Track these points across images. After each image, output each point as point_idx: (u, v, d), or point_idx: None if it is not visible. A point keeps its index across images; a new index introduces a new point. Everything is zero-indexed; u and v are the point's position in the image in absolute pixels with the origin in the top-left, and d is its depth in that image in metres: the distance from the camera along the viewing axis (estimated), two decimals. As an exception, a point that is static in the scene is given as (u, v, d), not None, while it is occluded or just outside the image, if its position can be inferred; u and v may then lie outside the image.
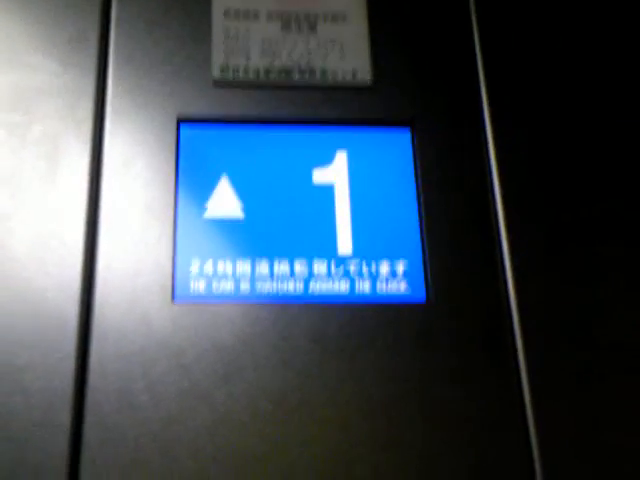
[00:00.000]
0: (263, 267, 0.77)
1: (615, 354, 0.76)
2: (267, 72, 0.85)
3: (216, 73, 0.85)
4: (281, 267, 0.77)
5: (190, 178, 0.80)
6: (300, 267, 0.78)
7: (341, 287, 0.77)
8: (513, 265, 0.79)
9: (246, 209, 0.80)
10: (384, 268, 0.78)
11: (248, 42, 0.87)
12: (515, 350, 0.76)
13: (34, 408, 0.68)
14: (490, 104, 0.86)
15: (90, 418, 0.69)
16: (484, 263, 0.79)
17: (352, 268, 0.78)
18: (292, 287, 0.77)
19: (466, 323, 0.76)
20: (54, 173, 0.78)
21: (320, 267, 0.78)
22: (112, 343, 0.72)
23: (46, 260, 0.74)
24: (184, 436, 0.69)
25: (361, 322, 0.75)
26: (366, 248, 0.79)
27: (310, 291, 0.77)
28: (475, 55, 0.89)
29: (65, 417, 0.68)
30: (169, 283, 0.75)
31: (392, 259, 0.79)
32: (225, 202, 0.80)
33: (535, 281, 0.78)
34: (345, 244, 0.79)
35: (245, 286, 0.76)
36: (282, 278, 0.77)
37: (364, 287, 0.78)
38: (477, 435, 0.72)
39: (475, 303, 0.77)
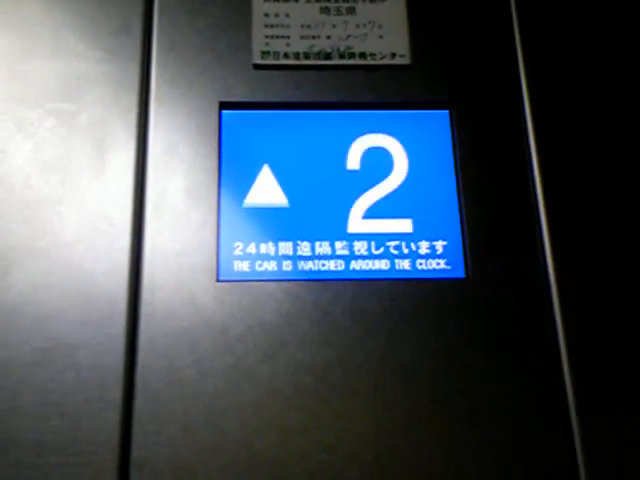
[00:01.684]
0: (305, 248, 0.79)
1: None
2: (307, 55, 0.87)
3: (257, 58, 0.86)
4: (322, 248, 0.79)
5: (233, 162, 0.82)
6: (341, 247, 0.79)
7: (381, 265, 0.79)
8: (552, 242, 0.79)
9: (287, 193, 0.81)
10: (424, 246, 0.79)
11: (288, 26, 0.88)
12: (554, 324, 0.76)
13: (86, 384, 0.71)
14: (529, 86, 0.86)
15: (140, 393, 0.72)
16: (522, 241, 0.80)
17: (392, 247, 0.79)
18: (333, 265, 0.78)
19: (505, 298, 0.77)
20: (102, 159, 0.80)
21: (360, 247, 0.79)
22: (160, 321, 0.74)
23: (96, 243, 0.76)
24: (230, 409, 0.71)
25: (401, 298, 0.77)
26: (407, 228, 0.80)
27: (351, 268, 0.78)
28: (514, 38, 0.89)
29: (116, 393, 0.71)
30: (214, 263, 0.77)
31: (432, 238, 0.80)
32: (267, 188, 0.81)
33: (573, 258, 0.79)
34: (384, 225, 0.80)
35: (287, 265, 0.78)
36: (323, 257, 0.78)
37: (404, 264, 0.79)
38: (517, 406, 0.73)
39: (514, 278, 0.78)
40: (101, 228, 0.77)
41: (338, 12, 0.89)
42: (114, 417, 0.70)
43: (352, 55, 0.87)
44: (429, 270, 0.79)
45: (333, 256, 0.79)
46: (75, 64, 0.84)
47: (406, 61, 0.87)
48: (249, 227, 0.80)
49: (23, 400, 0.70)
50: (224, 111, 0.84)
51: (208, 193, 0.80)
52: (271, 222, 0.80)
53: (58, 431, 0.70)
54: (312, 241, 0.79)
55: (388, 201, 0.81)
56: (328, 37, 0.87)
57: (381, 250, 0.79)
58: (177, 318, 0.74)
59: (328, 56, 0.87)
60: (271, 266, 0.78)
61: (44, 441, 0.69)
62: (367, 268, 0.78)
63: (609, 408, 0.73)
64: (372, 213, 0.81)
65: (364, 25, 0.88)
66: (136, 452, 0.70)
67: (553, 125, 0.84)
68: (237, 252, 0.78)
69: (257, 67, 0.86)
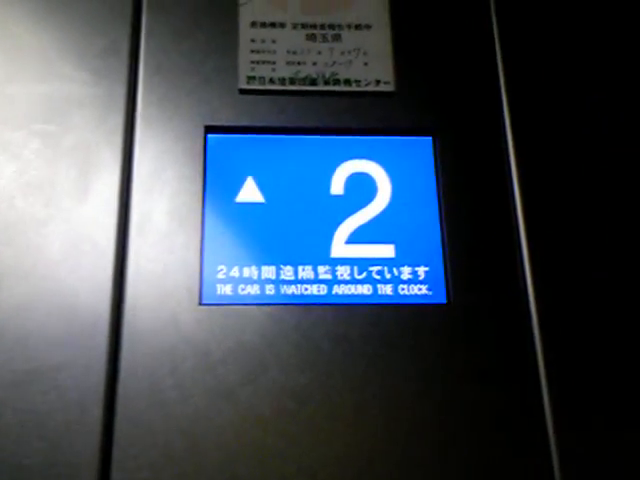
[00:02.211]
0: (287, 272, 0.79)
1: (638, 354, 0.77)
2: (292, 81, 0.88)
3: (242, 83, 0.87)
4: (305, 272, 0.79)
5: (217, 186, 0.83)
6: (323, 271, 0.80)
7: (363, 290, 0.79)
8: (533, 268, 0.80)
9: (270, 215, 0.82)
10: (404, 272, 0.80)
11: (274, 52, 0.89)
12: (534, 350, 0.77)
13: (67, 406, 0.71)
14: (511, 114, 0.88)
15: (121, 415, 0.71)
16: (504, 266, 0.81)
17: (374, 272, 0.80)
18: (315, 290, 0.79)
19: (486, 323, 0.78)
20: (87, 181, 0.80)
21: (343, 271, 0.80)
22: (142, 343, 0.74)
23: (79, 264, 0.76)
24: (211, 432, 0.71)
25: (383, 323, 0.77)
26: (389, 253, 0.81)
27: (333, 293, 0.79)
28: (497, 66, 0.90)
29: (97, 414, 0.71)
30: (196, 286, 0.77)
31: (414, 263, 0.80)
32: (250, 196, 0.82)
33: (554, 284, 0.80)
34: (367, 250, 0.81)
35: (270, 289, 0.78)
36: (306, 281, 0.79)
37: (386, 290, 0.79)
38: (496, 433, 0.74)
39: (495, 304, 0.79)
40: (85, 249, 0.77)
41: (324, 39, 0.90)
42: (94, 440, 0.70)
43: (337, 81, 0.88)
44: (411, 295, 0.79)
45: (316, 280, 0.79)
46: (61, 86, 0.85)
47: (390, 88, 0.88)
48: (232, 251, 0.80)
49: (2, 422, 0.70)
50: (209, 135, 0.85)
51: (192, 216, 0.80)
52: (254, 245, 0.80)
53: (38, 454, 0.69)
54: (295, 265, 0.80)
55: (371, 226, 0.82)
56: (314, 63, 0.89)
57: (363, 275, 0.80)
58: (159, 340, 0.74)
59: (313, 82, 0.88)
60: (254, 290, 0.78)
61: (23, 464, 0.69)
62: (349, 293, 0.79)
63: (588, 435, 0.74)
64: (355, 238, 0.81)
65: (349, 52, 0.89)
66: (116, 475, 0.69)
67: (534, 152, 0.86)
68: (220, 275, 0.79)
69: (243, 92, 0.87)
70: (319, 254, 0.80)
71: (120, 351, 0.74)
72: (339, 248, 0.81)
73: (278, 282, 0.79)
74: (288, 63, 0.88)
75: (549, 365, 0.76)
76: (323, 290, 0.79)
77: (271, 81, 0.87)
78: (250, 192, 0.83)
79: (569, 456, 0.73)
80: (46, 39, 0.87)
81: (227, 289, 0.78)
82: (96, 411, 0.71)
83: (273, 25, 0.90)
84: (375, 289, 0.79)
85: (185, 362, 0.74)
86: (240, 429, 0.72)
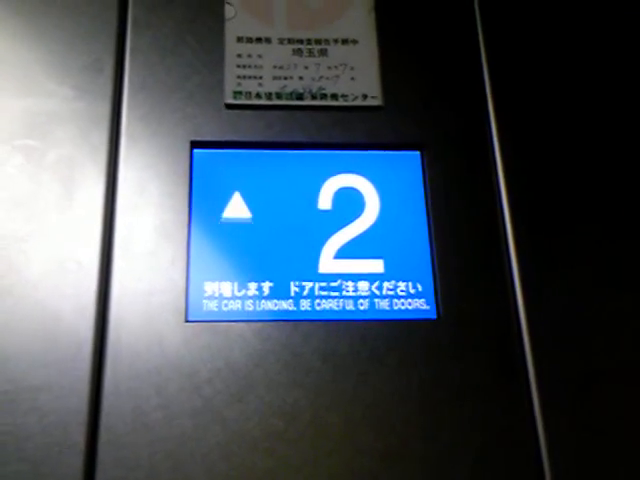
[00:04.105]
0: (275, 288, 0.78)
1: (625, 366, 0.77)
2: (279, 96, 0.87)
3: (228, 98, 0.86)
4: (293, 288, 0.78)
5: (203, 201, 0.81)
6: (311, 287, 0.78)
7: (351, 306, 0.78)
8: (522, 282, 0.79)
9: (257, 231, 0.81)
10: (394, 287, 0.79)
11: (260, 67, 0.88)
12: (525, 363, 0.76)
13: (49, 428, 0.69)
14: (499, 129, 0.87)
15: (104, 437, 0.70)
16: (494, 281, 0.80)
17: (360, 288, 0.79)
18: (303, 305, 0.77)
19: (476, 337, 0.77)
20: (70, 197, 0.79)
21: (331, 287, 0.78)
22: (126, 363, 0.73)
23: (62, 282, 0.75)
24: (197, 454, 0.69)
25: (372, 339, 0.76)
26: (378, 268, 0.80)
27: (318, 309, 0.77)
28: (484, 80, 0.90)
29: (80, 436, 0.69)
30: (182, 303, 0.76)
31: (403, 278, 0.79)
32: (237, 211, 0.81)
33: (544, 297, 0.79)
34: (356, 265, 0.80)
35: (257, 305, 0.77)
36: (294, 297, 0.78)
37: (376, 305, 0.78)
38: (488, 448, 0.72)
39: (485, 318, 0.78)
40: (68, 267, 0.76)
41: (310, 54, 0.89)
42: (77, 462, 0.68)
43: (324, 96, 0.87)
44: (401, 310, 0.78)
45: (303, 296, 0.78)
46: (44, 101, 0.83)
47: (377, 102, 0.88)
48: (219, 267, 0.79)
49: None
50: (195, 150, 0.84)
51: (178, 232, 0.79)
52: (241, 262, 0.79)
53: (17, 476, 0.67)
54: (283, 281, 0.78)
55: (359, 241, 0.81)
56: (300, 78, 0.88)
57: (352, 291, 0.79)
58: (144, 359, 0.73)
59: (300, 97, 0.87)
60: (241, 306, 0.77)
61: (3, 487, 0.67)
62: (337, 308, 0.78)
63: (581, 446, 0.73)
64: (343, 253, 0.80)
65: (336, 67, 0.89)
66: (100, 498, 0.68)
67: (522, 164, 0.85)
68: (207, 292, 0.77)
69: (229, 107, 0.86)
70: (307, 270, 0.79)
71: (103, 372, 0.72)
72: (327, 263, 0.80)
73: (266, 298, 0.78)
74: (275, 78, 0.88)
75: (541, 379, 0.75)
76: (311, 306, 0.78)
77: (258, 96, 0.87)
78: (237, 207, 0.81)
79: (561, 469, 0.72)
80: (29, 54, 0.86)
81: (213, 305, 0.77)
82: (78, 433, 0.69)
83: (259, 40, 0.90)
84: (364, 304, 0.78)
85: (171, 383, 0.72)
86: (228, 450, 0.70)
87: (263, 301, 0.77)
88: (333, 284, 0.79)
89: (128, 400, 0.71)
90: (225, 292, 0.77)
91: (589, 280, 0.80)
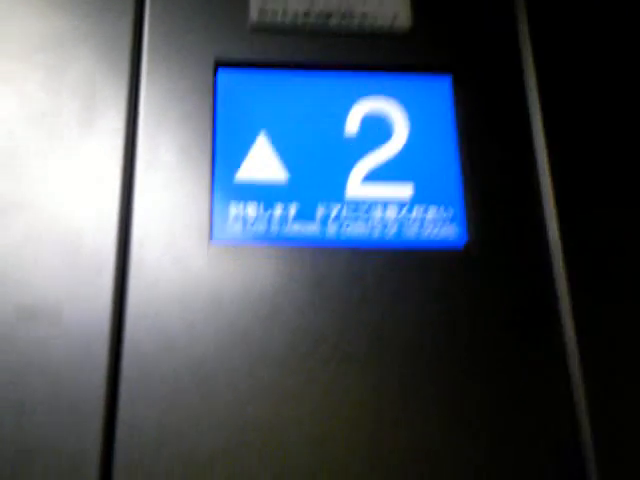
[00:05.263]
0: (301, 211, 0.76)
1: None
2: (306, 15, 0.84)
3: (254, 17, 0.83)
4: (320, 212, 0.76)
5: (227, 124, 0.79)
6: (335, 211, 0.76)
7: (377, 231, 0.76)
8: (557, 211, 0.77)
9: (283, 159, 0.78)
10: (421, 214, 0.77)
11: (287, -15, 0.85)
12: (557, 297, 0.74)
13: (72, 346, 0.68)
14: (534, 50, 0.84)
15: (128, 357, 0.69)
16: (526, 207, 0.77)
17: (389, 213, 0.77)
18: (330, 230, 0.76)
19: (508, 265, 0.75)
20: (92, 114, 0.77)
21: (359, 211, 0.76)
22: (150, 283, 0.71)
23: (83, 198, 0.73)
24: (221, 372, 0.69)
25: (400, 265, 0.74)
26: (407, 192, 0.78)
27: (346, 234, 0.76)
28: (519, 5, 0.86)
29: (103, 354, 0.68)
30: (206, 224, 0.74)
31: (433, 203, 0.77)
32: (263, 159, 0.78)
33: (580, 227, 0.76)
34: (384, 189, 0.78)
35: (283, 228, 0.75)
36: (320, 221, 0.76)
37: (405, 231, 0.76)
38: (520, 387, 0.71)
39: (517, 247, 0.76)
40: (89, 184, 0.74)
41: (340, -30, 0.86)
42: (100, 379, 0.67)
43: (352, 17, 0.84)
44: (430, 237, 0.76)
45: (330, 220, 0.76)
46: (65, 18, 0.81)
47: (407, 24, 0.84)
48: (244, 188, 0.77)
49: (3, 357, 0.67)
50: (220, 69, 0.81)
51: (202, 152, 0.77)
52: (267, 184, 0.77)
53: (41, 394, 0.67)
54: (309, 204, 0.76)
55: (388, 165, 0.79)
56: (328, -3, 0.85)
57: (380, 216, 0.77)
58: (167, 279, 0.71)
59: (328, 17, 0.84)
60: (266, 229, 0.75)
61: (25, 400, 0.66)
62: (365, 234, 0.76)
63: (619, 393, 0.71)
64: (372, 177, 0.78)
65: (366, -14, 0.86)
66: (123, 412, 0.67)
67: (557, 89, 0.82)
68: (231, 213, 0.75)
69: (254, 25, 0.83)
70: (334, 193, 0.77)
71: (126, 291, 0.71)
72: (355, 187, 0.78)
73: (292, 220, 0.76)
74: (302, -4, 0.85)
75: (575, 311, 0.73)
76: (337, 230, 0.76)
77: (284, 15, 0.84)
78: (262, 139, 0.79)
79: (597, 408, 0.70)
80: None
81: (238, 227, 0.75)
82: (102, 351, 0.68)
83: (286, -43, 0.86)
84: (392, 230, 0.76)
85: (194, 303, 0.71)
86: (252, 369, 0.69)
87: (289, 224, 0.76)
88: (361, 208, 0.77)
89: (152, 321, 0.70)
90: (249, 214, 0.75)
91: (629, 208, 0.77)
